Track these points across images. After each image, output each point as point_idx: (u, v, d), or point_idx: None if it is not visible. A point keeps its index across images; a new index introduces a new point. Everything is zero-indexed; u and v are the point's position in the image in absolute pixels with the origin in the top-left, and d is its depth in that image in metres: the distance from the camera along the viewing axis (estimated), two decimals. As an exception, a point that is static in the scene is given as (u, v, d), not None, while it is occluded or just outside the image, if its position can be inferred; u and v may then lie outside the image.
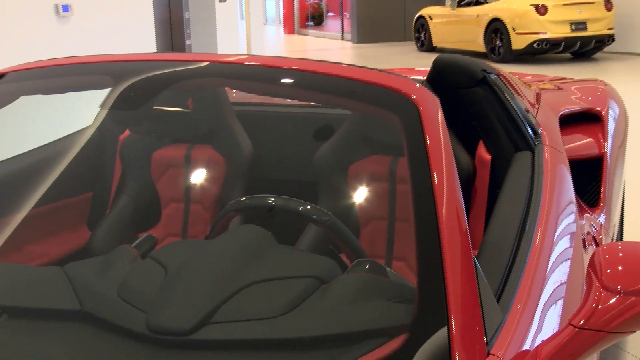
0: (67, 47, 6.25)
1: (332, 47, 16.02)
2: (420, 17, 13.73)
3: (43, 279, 1.33)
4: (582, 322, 1.00)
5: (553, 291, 1.30)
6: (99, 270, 1.30)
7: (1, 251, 1.63)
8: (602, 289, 1.02)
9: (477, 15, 11.73)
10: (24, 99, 1.77)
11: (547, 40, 10.56)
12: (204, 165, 2.03)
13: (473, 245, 1.21)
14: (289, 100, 2.39)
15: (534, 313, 1.16)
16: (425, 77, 2.08)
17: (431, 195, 1.18)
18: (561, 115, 2.33)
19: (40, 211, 1.86)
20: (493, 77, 2.01)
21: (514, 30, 10.84)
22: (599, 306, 1.00)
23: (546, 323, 1.17)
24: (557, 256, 1.42)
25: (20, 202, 1.77)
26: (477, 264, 1.13)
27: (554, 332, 1.05)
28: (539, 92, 2.52)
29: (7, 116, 1.76)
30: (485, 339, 1.02)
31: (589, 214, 2.01)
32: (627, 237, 3.14)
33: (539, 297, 1.22)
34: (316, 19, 21.83)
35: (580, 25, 10.67)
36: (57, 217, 1.96)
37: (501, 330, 1.07)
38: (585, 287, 1.06)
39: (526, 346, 1.06)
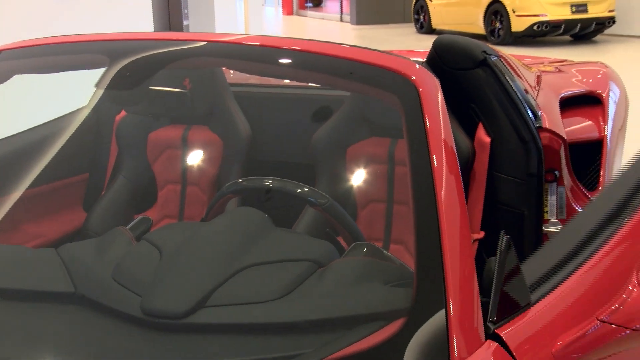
0: (62, 26, 6.18)
1: (331, 28, 15.91)
2: (420, -2, 13.63)
3: (37, 260, 1.32)
4: (607, 316, 0.97)
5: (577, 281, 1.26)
6: (93, 252, 1.29)
7: None
8: (637, 286, 0.98)
9: (477, -3, 11.65)
10: (17, 78, 1.75)
11: (547, 23, 10.49)
12: (201, 147, 2.01)
13: (472, 229, 1.19)
14: (287, 81, 2.37)
15: (557, 303, 1.12)
16: (425, 59, 2.05)
17: (430, 178, 1.17)
18: (562, 97, 2.31)
19: (36, 192, 1.85)
20: (493, 58, 1.99)
21: (513, 12, 10.75)
22: (628, 299, 0.97)
23: (566, 313, 1.12)
24: None
25: (15, 182, 1.75)
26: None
27: (574, 321, 1.02)
28: (539, 74, 2.49)
29: (0, 96, 1.74)
30: (486, 321, 1.01)
31: (589, 197, 2.00)
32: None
33: (563, 287, 1.17)
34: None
35: (580, 7, 10.59)
36: (53, 198, 1.94)
37: (521, 315, 1.05)
38: (618, 281, 1.03)
39: (541, 333, 1.04)
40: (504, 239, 1.05)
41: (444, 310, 0.99)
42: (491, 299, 1.03)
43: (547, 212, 1.88)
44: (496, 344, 0.99)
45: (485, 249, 1.63)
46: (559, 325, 1.05)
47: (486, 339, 1.00)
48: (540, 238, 1.79)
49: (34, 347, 1.07)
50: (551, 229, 1.83)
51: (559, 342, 0.99)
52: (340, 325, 1.08)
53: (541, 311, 1.07)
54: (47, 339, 1.09)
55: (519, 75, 2.13)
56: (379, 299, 1.13)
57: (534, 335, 1.02)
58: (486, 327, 1.02)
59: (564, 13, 10.54)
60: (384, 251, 1.33)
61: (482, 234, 1.70)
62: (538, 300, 1.09)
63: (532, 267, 1.21)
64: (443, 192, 1.14)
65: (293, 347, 1.04)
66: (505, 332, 1.01)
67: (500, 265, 1.04)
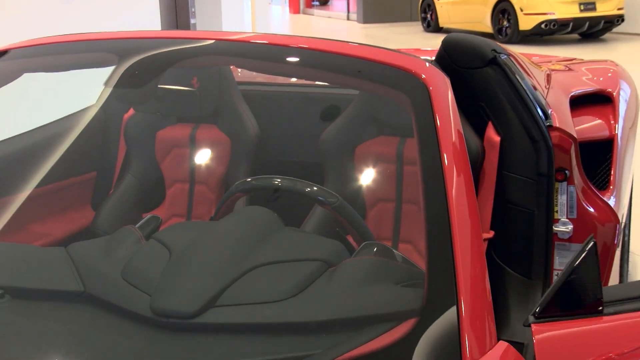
0: (70, 24, 6.20)
1: (338, 27, 15.90)
2: (427, -4, 13.60)
3: (46, 259, 1.32)
4: None
5: None
6: (102, 251, 1.29)
7: (4, 231, 1.62)
8: None
9: (485, -5, 11.61)
10: (26, 77, 1.75)
11: (555, 21, 10.44)
12: (209, 145, 2.01)
13: (482, 228, 1.18)
14: (295, 79, 2.36)
15: (619, 324, 1.05)
16: (434, 57, 2.04)
17: (441, 177, 1.16)
18: (572, 96, 2.30)
19: (44, 190, 1.85)
20: (503, 57, 1.98)
21: (521, 10, 10.71)
22: None
23: (618, 336, 1.04)
24: None
25: (23, 181, 1.76)
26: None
27: (621, 344, 0.98)
28: (549, 73, 2.48)
29: (10, 94, 1.74)
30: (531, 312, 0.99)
31: (599, 196, 1.98)
32: (635, 220, 3.12)
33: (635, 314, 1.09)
34: (322, -2, 21.67)
35: (589, 5, 10.55)
36: (61, 197, 1.94)
37: (572, 321, 1.00)
38: None
39: (583, 343, 1.00)
40: (591, 240, 1.01)
41: (455, 310, 0.98)
42: (548, 291, 1.00)
43: (557, 211, 1.87)
44: (507, 344, 0.98)
45: (494, 249, 1.62)
46: (604, 344, 1.00)
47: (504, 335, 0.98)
48: (550, 238, 1.78)
49: (43, 346, 1.06)
50: (561, 228, 1.82)
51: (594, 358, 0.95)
52: (351, 326, 1.07)
53: (599, 325, 1.02)
54: (56, 338, 1.08)
55: (528, 74, 2.11)
56: (389, 299, 1.12)
57: (572, 342, 0.99)
58: (525, 319, 1.00)
59: (572, 11, 10.49)
60: (394, 251, 1.32)
61: (491, 234, 1.69)
62: (605, 315, 1.03)
63: (623, 288, 1.15)
64: (454, 191, 1.14)
65: (303, 348, 1.03)
66: (544, 332, 0.98)
67: (572, 262, 0.99)
